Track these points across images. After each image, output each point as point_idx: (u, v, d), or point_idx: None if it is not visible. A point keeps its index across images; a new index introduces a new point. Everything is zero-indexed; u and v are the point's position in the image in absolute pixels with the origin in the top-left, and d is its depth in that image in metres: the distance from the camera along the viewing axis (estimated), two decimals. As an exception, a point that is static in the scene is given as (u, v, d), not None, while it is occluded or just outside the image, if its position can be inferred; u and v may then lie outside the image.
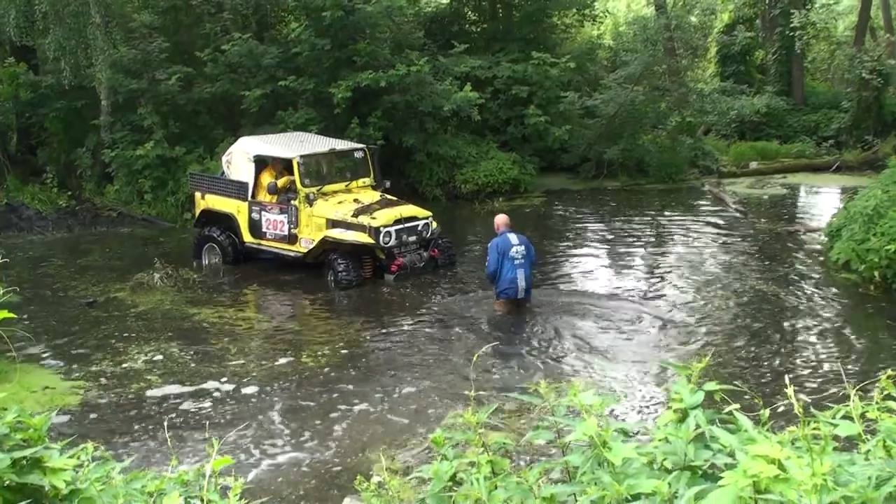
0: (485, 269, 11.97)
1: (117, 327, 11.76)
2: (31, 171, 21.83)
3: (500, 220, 12.07)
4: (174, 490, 2.58)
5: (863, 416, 2.27)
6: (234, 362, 10.30)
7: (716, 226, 18.23)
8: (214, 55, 20.76)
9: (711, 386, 2.48)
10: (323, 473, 7.43)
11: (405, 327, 11.68)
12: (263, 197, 14.37)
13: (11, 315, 2.43)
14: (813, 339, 10.82)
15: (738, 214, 19.09)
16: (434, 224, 14.11)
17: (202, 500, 2.57)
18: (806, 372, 9.58)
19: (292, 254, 14.14)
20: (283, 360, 10.33)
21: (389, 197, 14.52)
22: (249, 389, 9.37)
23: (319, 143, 15.21)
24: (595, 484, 2.28)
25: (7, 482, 2.29)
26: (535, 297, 12.22)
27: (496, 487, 2.50)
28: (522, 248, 11.60)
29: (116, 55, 20.07)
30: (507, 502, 2.45)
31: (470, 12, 27.40)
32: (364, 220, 13.31)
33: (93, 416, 8.76)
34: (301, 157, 14.01)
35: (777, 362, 9.96)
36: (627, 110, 23.71)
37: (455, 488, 2.61)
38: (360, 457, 7.68)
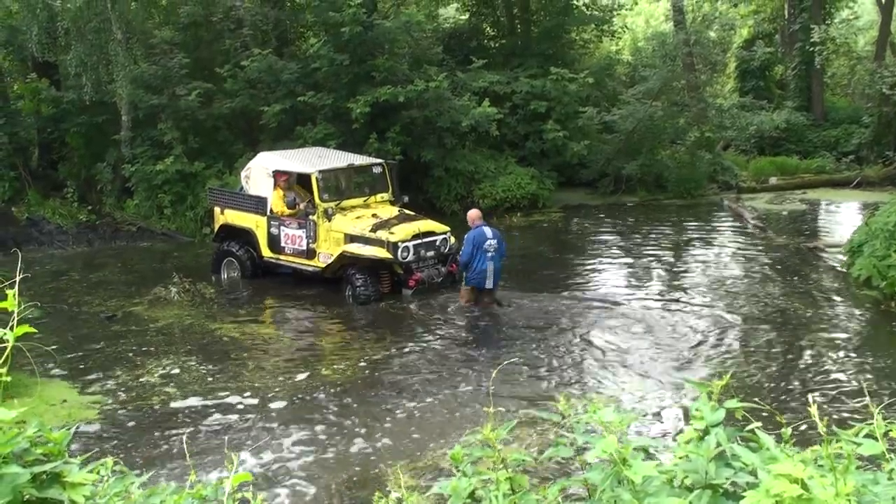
0: (459, 259, 12.83)
1: (136, 341, 11.80)
2: (52, 186, 22.00)
3: (474, 214, 13.19)
4: (192, 505, 2.58)
5: (886, 434, 2.24)
6: (253, 377, 10.32)
7: (735, 241, 18.14)
8: (234, 71, 20.90)
9: (733, 403, 2.45)
10: (343, 488, 7.42)
11: (424, 342, 11.67)
12: (281, 211, 14.42)
13: (32, 330, 2.44)
14: (835, 356, 10.72)
15: (756, 230, 18.98)
16: (452, 239, 14.11)
17: (220, 516, 2.56)
18: (828, 389, 9.50)
19: (310, 269, 14.16)
20: (302, 375, 10.33)
21: (407, 212, 14.54)
22: (270, 404, 9.38)
23: (338, 159, 15.26)
24: (615, 502, 2.27)
25: (27, 497, 2.29)
26: (552, 309, 12.24)
27: (515, 504, 2.48)
28: (495, 242, 12.56)
29: (137, 71, 20.23)
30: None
31: (488, 28, 27.48)
32: (382, 235, 13.32)
33: (111, 429, 8.79)
34: (320, 172, 14.06)
35: (799, 379, 9.88)
36: (646, 125, 23.69)
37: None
38: (380, 470, 7.66)
